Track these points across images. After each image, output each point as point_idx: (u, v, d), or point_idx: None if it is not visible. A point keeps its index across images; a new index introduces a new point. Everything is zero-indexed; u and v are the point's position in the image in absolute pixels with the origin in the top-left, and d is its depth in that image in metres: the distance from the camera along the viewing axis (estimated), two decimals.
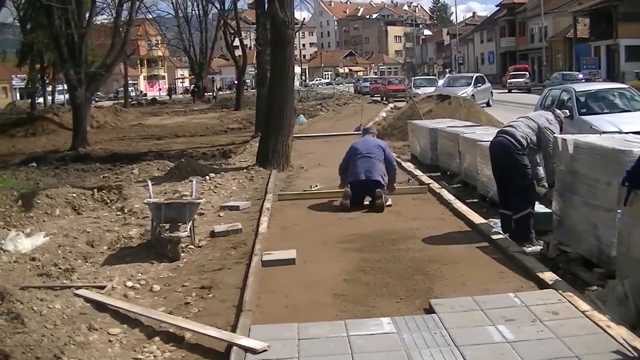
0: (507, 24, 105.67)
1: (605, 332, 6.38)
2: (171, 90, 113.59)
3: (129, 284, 8.82)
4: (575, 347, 6.09)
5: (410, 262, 9.25)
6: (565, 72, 63.57)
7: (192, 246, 10.63)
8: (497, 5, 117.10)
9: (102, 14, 50.89)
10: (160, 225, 10.15)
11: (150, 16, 65.86)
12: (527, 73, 75.29)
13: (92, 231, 11.51)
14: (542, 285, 7.92)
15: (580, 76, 57.45)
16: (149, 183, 11.98)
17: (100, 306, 7.76)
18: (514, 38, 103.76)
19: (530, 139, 10.40)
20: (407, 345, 6.33)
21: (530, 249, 9.91)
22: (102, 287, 8.48)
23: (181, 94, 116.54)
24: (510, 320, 6.79)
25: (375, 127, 21.70)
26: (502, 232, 10.45)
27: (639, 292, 7.03)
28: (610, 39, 67.18)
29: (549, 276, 8.04)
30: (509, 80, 71.35)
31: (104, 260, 10.00)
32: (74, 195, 15.11)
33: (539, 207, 10.93)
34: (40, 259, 9.70)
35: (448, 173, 17.27)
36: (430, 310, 7.25)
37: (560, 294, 7.38)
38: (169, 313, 7.61)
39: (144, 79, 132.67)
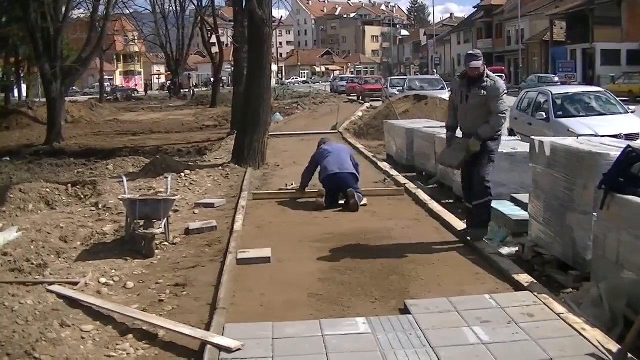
0: (484, 26, 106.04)
1: (581, 334, 6.39)
2: (147, 86, 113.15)
3: (103, 280, 8.76)
4: (550, 350, 6.09)
5: (386, 262, 9.23)
6: (541, 75, 63.93)
7: (166, 243, 10.57)
8: (474, 7, 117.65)
9: (78, 8, 50.70)
10: (135, 221, 10.09)
11: (128, 11, 65.65)
12: (502, 75, 75.65)
13: (66, 227, 11.40)
14: (517, 287, 7.93)
15: (556, 79, 57.71)
16: (124, 179, 11.91)
17: (73, 302, 7.69)
18: (490, 40, 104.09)
19: None
20: (382, 346, 6.31)
21: (506, 250, 9.92)
22: (75, 283, 8.41)
23: (157, 90, 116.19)
24: (486, 321, 6.78)
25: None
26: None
27: (614, 295, 7.05)
28: (587, 42, 67.54)
29: (524, 278, 8.06)
30: None
31: (78, 256, 9.92)
32: (48, 190, 14.98)
33: (515, 210, 10.96)
34: (13, 254, 9.58)
35: (424, 173, 17.28)
36: (405, 311, 7.24)
37: (536, 296, 7.39)
38: (142, 310, 7.54)
39: (120, 75, 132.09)
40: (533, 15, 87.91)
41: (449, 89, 11.19)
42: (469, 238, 10.02)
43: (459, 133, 10.42)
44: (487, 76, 9.93)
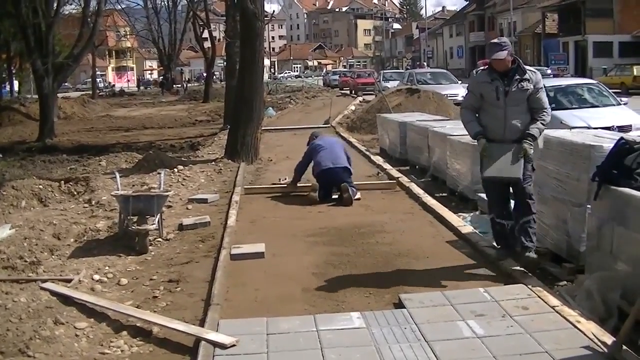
0: (477, 19, 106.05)
1: (575, 327, 6.39)
2: (140, 82, 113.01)
3: (96, 277, 8.74)
4: (545, 343, 6.08)
5: (380, 256, 9.23)
6: (534, 67, 63.80)
7: (160, 239, 10.56)
8: (466, 0, 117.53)
9: (70, 4, 50.53)
10: (128, 217, 10.07)
11: (119, 7, 65.59)
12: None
13: (59, 223, 11.36)
14: (511, 280, 7.92)
15: (549, 71, 57.70)
16: (117, 175, 11.89)
17: (66, 300, 7.67)
18: (483, 33, 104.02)
19: None
20: (377, 340, 6.30)
21: None
22: (69, 281, 8.39)
23: (149, 85, 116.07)
24: (480, 315, 6.78)
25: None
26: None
27: (608, 287, 7.06)
28: (579, 34, 67.58)
29: (518, 271, 8.05)
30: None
31: (71, 253, 9.90)
32: (41, 187, 14.91)
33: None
34: (6, 252, 9.55)
35: (417, 167, 17.29)
36: (400, 305, 7.23)
37: (530, 289, 7.39)
38: (136, 307, 7.54)
39: (113, 70, 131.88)
40: (525, 8, 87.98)
41: (468, 85, 8.98)
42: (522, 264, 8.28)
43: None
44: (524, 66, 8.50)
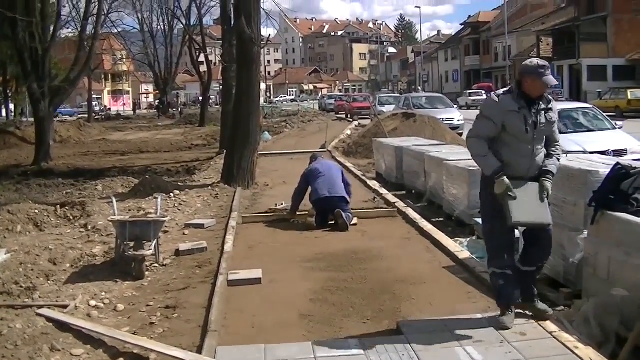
0: (472, 43, 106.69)
1: (573, 352, 6.38)
2: (136, 106, 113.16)
3: (93, 303, 8.69)
4: None
5: (377, 282, 9.22)
6: None
7: (156, 265, 10.53)
8: (461, 24, 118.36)
9: (67, 28, 50.70)
10: (125, 243, 10.03)
11: (116, 30, 65.72)
12: (482, 91, 76.81)
13: (55, 248, 11.32)
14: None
15: None
16: (114, 200, 11.87)
17: (62, 326, 7.63)
18: (478, 56, 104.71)
19: None
20: None
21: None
22: (65, 307, 8.34)
23: (145, 109, 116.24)
24: (478, 341, 6.76)
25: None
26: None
27: (606, 312, 7.05)
28: (573, 58, 67.91)
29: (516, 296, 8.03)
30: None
31: (67, 278, 9.84)
32: (36, 211, 14.90)
33: None
34: (1, 277, 9.50)
35: (413, 192, 17.29)
36: (398, 331, 7.21)
37: (527, 314, 7.36)
38: (133, 333, 7.50)
39: (108, 94, 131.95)
40: (520, 32, 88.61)
41: (485, 111, 7.28)
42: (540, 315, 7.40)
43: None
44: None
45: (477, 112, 7.39)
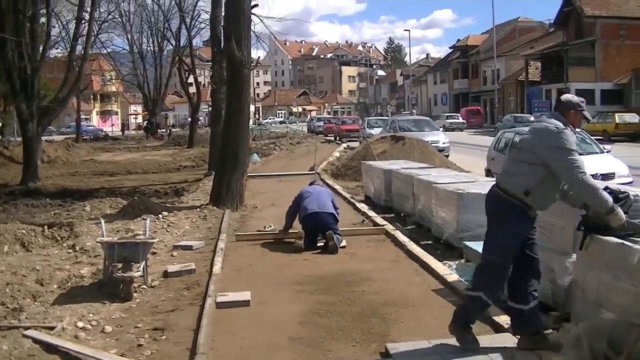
0: (460, 66, 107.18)
1: None
2: (124, 126, 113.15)
3: (80, 324, 8.64)
4: None
5: (366, 305, 9.21)
6: (517, 115, 64.68)
7: (144, 286, 10.48)
8: (450, 48, 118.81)
9: (56, 48, 50.64)
10: (113, 264, 10.00)
11: (105, 51, 65.69)
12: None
13: (42, 269, 11.25)
14: (497, 328, 7.93)
15: (532, 119, 58.20)
16: (102, 221, 11.85)
17: (49, 348, 7.59)
18: (466, 80, 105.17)
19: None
20: None
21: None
22: (52, 328, 8.29)
23: (134, 130, 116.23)
24: None
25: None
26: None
27: (594, 335, 7.05)
28: (561, 82, 68.28)
29: (504, 319, 8.02)
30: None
31: (54, 299, 9.78)
32: (24, 231, 14.82)
33: None
34: None
35: (402, 214, 17.29)
36: (386, 355, 7.20)
37: (517, 338, 7.36)
38: (121, 355, 7.46)
39: (97, 114, 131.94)
40: (508, 56, 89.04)
41: (572, 144, 6.99)
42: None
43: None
44: None
45: (553, 144, 6.89)
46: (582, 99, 7.36)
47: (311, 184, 15.01)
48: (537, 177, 6.92)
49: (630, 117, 50.70)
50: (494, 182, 7.31)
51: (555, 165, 6.87)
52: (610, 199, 6.85)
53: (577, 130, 7.28)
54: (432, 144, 31.76)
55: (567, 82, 67.10)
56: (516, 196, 6.92)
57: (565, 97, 7.41)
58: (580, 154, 7.07)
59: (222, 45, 25.53)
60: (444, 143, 35.07)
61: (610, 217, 6.81)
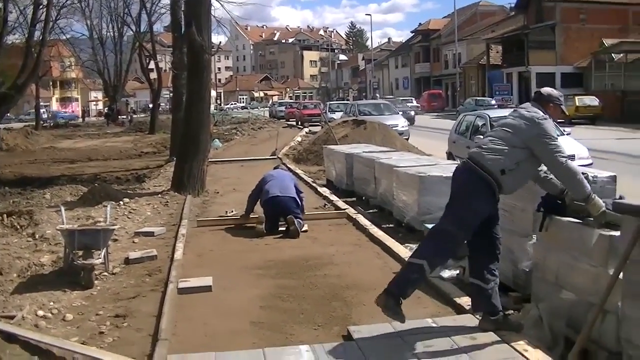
0: (422, 50, 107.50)
1: (523, 356, 6.44)
2: (84, 113, 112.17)
3: (41, 313, 8.57)
4: None
5: (328, 289, 9.23)
6: (478, 98, 64.93)
7: (106, 273, 10.42)
8: (412, 32, 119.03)
9: (13, 34, 49.94)
10: (74, 252, 9.93)
11: (64, 37, 64.92)
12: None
13: (1, 258, 11.10)
14: (459, 310, 7.97)
15: (493, 102, 58.65)
16: (62, 208, 11.74)
17: (9, 337, 7.48)
18: (428, 64, 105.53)
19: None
20: None
21: (447, 274, 9.94)
22: (12, 317, 8.21)
23: (94, 116, 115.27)
24: (429, 346, 6.79)
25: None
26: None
27: (554, 315, 7.13)
28: (522, 66, 68.70)
29: (465, 301, 8.08)
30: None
31: (14, 288, 9.67)
32: None
33: None
34: None
35: (364, 198, 17.32)
36: (348, 337, 7.22)
37: (478, 318, 7.41)
38: (82, 343, 7.39)
39: (57, 101, 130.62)
40: (469, 40, 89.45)
41: (554, 133, 7.10)
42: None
43: None
44: None
45: (540, 133, 6.95)
46: (561, 93, 7.58)
47: (275, 167, 15.00)
48: (515, 160, 6.96)
49: (590, 100, 51.17)
50: (467, 158, 7.24)
51: (540, 152, 6.96)
52: (588, 186, 6.93)
53: None
54: (392, 128, 31.85)
55: (528, 66, 67.54)
56: (492, 173, 6.92)
57: (546, 90, 7.54)
58: None
59: (182, 30, 25.37)
60: (402, 127, 35.22)
61: (589, 206, 6.87)
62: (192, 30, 18.78)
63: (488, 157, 6.98)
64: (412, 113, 56.61)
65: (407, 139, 32.04)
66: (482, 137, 15.00)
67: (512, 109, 7.81)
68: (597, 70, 60.44)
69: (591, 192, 6.92)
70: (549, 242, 7.43)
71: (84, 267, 9.77)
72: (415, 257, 7.07)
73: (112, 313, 8.54)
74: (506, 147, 6.98)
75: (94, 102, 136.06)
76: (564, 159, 6.89)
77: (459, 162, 7.92)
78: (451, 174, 7.45)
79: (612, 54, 58.73)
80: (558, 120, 7.30)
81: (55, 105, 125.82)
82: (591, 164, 17.42)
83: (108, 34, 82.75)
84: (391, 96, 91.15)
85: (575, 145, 18.88)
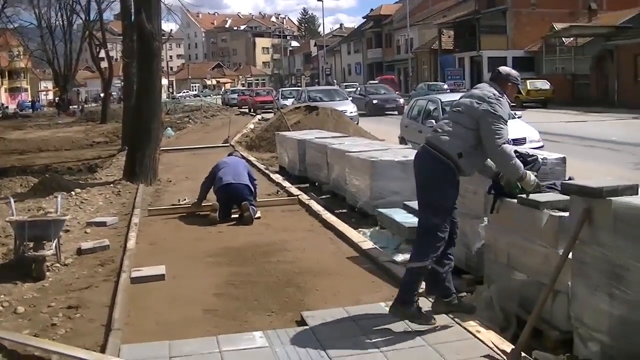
0: (374, 36, 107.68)
1: (476, 337, 6.52)
2: (35, 103, 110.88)
3: None
4: (446, 354, 6.19)
5: (281, 275, 9.24)
6: (431, 83, 65.26)
7: (58, 264, 10.30)
8: (364, 17, 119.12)
9: None
10: (24, 243, 9.82)
11: (12, 26, 64.17)
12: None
13: None
14: None
15: (446, 86, 58.97)
16: (12, 200, 11.59)
17: None
18: (380, 49, 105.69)
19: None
20: (280, 359, 6.29)
21: (400, 258, 10.00)
22: None
23: (45, 106, 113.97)
24: (383, 329, 6.83)
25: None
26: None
27: (506, 296, 7.22)
28: (474, 50, 69.24)
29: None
30: None
31: None
32: None
33: (408, 217, 11.05)
34: None
35: (317, 184, 17.36)
36: (302, 323, 7.23)
37: (430, 301, 7.46)
38: (34, 336, 7.32)
39: (5, 91, 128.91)
40: (421, 25, 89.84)
41: (503, 112, 7.02)
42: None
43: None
44: None
45: (489, 111, 6.91)
46: (518, 73, 7.51)
47: (230, 154, 14.95)
48: (469, 142, 6.93)
49: (542, 84, 51.66)
50: (424, 142, 7.18)
51: (482, 129, 6.91)
52: (521, 166, 7.03)
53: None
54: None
55: (480, 50, 68.08)
56: (451, 157, 6.87)
57: (504, 69, 7.51)
58: None
59: (132, 18, 25.17)
60: (351, 112, 35.24)
61: (523, 183, 7.03)
62: (141, 17, 18.63)
63: (444, 140, 6.94)
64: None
65: (357, 124, 32.11)
66: (433, 121, 15.01)
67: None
68: (547, 54, 61.02)
69: (524, 171, 7.04)
70: (500, 224, 7.52)
71: (35, 259, 9.67)
72: (418, 261, 6.97)
73: (64, 304, 8.45)
74: (461, 130, 6.96)
75: (44, 92, 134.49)
76: (501, 143, 6.87)
77: (409, 146, 7.87)
78: (403, 159, 7.50)
79: (563, 38, 59.31)
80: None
81: (3, 96, 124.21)
82: (542, 146, 17.59)
83: (57, 22, 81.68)
84: (343, 83, 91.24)
85: (526, 128, 19.07)
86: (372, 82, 63.07)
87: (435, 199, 6.98)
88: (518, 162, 7.04)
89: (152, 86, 19.38)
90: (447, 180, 6.95)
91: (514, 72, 7.45)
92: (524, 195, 7.10)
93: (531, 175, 7.07)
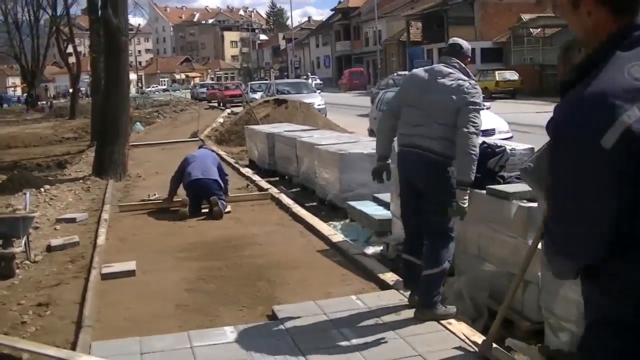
0: (342, 28, 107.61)
1: (447, 328, 6.55)
2: (2, 99, 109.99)
3: None
4: (418, 346, 6.21)
5: (252, 269, 9.24)
6: (396, 77, 65.20)
7: (27, 262, 10.24)
8: (332, 10, 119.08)
9: None
10: None
11: None
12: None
13: None
14: (383, 286, 8.04)
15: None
16: None
17: None
18: (349, 42, 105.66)
19: None
20: (252, 354, 6.29)
21: (370, 250, 10.04)
22: None
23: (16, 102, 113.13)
24: (354, 322, 6.85)
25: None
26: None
27: (476, 287, 7.26)
28: (442, 42, 69.21)
29: (389, 277, 8.18)
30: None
31: None
32: None
33: (377, 210, 11.08)
34: None
35: (286, 177, 17.38)
36: (273, 317, 7.24)
37: (401, 294, 7.50)
38: (4, 334, 7.27)
39: None
40: (389, 17, 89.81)
41: (481, 102, 7.02)
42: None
43: None
44: None
45: (472, 102, 6.75)
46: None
47: (200, 147, 14.92)
48: (454, 137, 6.72)
49: (510, 75, 51.81)
50: (419, 150, 6.83)
51: (460, 116, 6.66)
52: (472, 176, 6.67)
53: None
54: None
55: (448, 42, 68.17)
56: (450, 157, 6.74)
57: (461, 42, 7.21)
58: None
59: (99, 12, 25.02)
60: (319, 105, 35.25)
61: (459, 193, 6.67)
62: (107, 12, 18.56)
63: (444, 145, 6.73)
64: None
65: (325, 116, 32.14)
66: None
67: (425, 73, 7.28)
68: (515, 45, 61.24)
69: (469, 187, 6.71)
70: (469, 215, 7.54)
71: (4, 257, 9.61)
72: (437, 266, 6.83)
73: (34, 302, 8.40)
74: (447, 130, 6.71)
75: (12, 88, 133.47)
76: (476, 131, 6.68)
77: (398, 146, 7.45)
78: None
79: (530, 29, 59.55)
80: None
81: None
82: (511, 137, 17.68)
83: (24, 18, 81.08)
84: (307, 76, 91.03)
85: (495, 119, 19.15)
86: (282, 80, 61.15)
87: (447, 202, 6.78)
88: (475, 163, 6.69)
89: (120, 81, 19.29)
90: (450, 182, 6.81)
91: (467, 44, 7.21)
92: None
93: (466, 203, 6.67)
